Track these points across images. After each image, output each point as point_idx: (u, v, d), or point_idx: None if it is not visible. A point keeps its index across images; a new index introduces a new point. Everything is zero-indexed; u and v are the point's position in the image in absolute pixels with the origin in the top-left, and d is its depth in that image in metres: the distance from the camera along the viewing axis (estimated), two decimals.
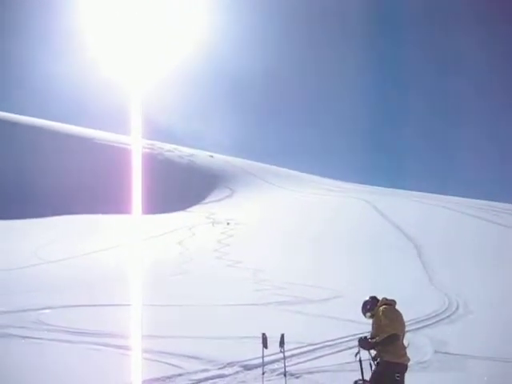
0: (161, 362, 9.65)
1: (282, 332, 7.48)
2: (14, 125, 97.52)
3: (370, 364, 6.14)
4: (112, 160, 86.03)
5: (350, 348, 6.52)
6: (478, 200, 61.55)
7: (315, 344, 11.67)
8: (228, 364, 9.64)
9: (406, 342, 6.10)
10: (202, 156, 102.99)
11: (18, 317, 14.09)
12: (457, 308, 19.01)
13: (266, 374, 8.09)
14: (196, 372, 9.02)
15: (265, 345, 7.45)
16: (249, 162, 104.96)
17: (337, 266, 31.17)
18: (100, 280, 25.48)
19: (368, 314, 6.34)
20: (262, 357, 7.80)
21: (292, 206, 60.32)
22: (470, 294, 22.23)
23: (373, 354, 6.12)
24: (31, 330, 12.31)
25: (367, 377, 6.14)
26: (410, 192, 72.26)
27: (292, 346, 10.47)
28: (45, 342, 11.14)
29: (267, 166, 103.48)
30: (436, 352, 11.44)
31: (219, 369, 9.37)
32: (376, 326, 6.08)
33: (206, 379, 8.69)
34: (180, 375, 8.79)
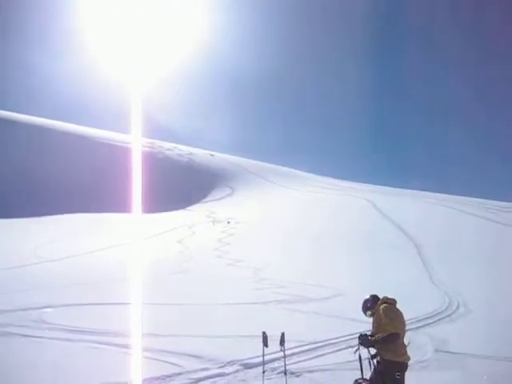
0: (161, 360, 9.65)
1: (283, 331, 7.47)
2: (16, 124, 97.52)
3: (369, 361, 6.14)
4: (112, 159, 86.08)
5: (351, 347, 6.50)
6: (477, 198, 61.62)
7: (315, 343, 11.67)
8: (228, 363, 9.63)
9: (406, 341, 6.09)
10: (202, 155, 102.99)
11: (18, 315, 14.08)
12: (457, 307, 19.02)
13: (266, 373, 8.08)
14: (196, 371, 9.02)
15: (265, 343, 7.45)
16: (249, 160, 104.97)
17: (337, 264, 31.17)
18: (100, 279, 25.46)
19: (368, 313, 6.34)
20: (263, 355, 7.80)
21: (292, 204, 60.31)
22: (470, 292, 22.24)
23: (372, 352, 6.12)
24: (31, 329, 12.30)
25: (366, 374, 6.15)
26: (408, 191, 72.29)
27: (292, 345, 10.47)
28: (45, 341, 11.13)
29: (267, 164, 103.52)
30: (436, 351, 11.44)
31: (219, 367, 9.36)
32: (376, 325, 6.08)
33: (206, 378, 8.68)
34: (180, 374, 8.78)
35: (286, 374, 7.77)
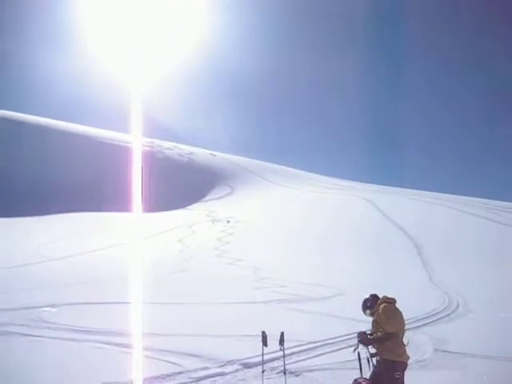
0: (161, 359, 9.67)
1: (282, 330, 7.49)
2: (18, 123, 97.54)
3: (368, 359, 6.16)
4: (113, 158, 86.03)
5: (351, 346, 6.51)
6: (479, 198, 61.54)
7: (315, 342, 11.69)
8: (228, 362, 9.66)
9: (405, 341, 6.11)
10: (202, 154, 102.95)
11: (19, 314, 14.10)
12: (457, 307, 19.04)
13: (265, 372, 8.10)
14: (196, 370, 9.04)
15: (265, 343, 7.46)
16: (248, 159, 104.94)
17: (338, 263, 31.20)
18: (102, 278, 25.51)
19: (368, 312, 6.36)
20: (262, 355, 7.81)
21: (292, 203, 60.32)
22: (470, 292, 22.28)
23: (371, 351, 6.14)
24: (32, 328, 12.31)
25: (365, 373, 6.18)
26: (409, 190, 72.26)
27: (292, 344, 10.49)
28: (45, 340, 11.15)
29: (267, 163, 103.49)
30: (436, 350, 11.47)
31: (219, 367, 9.39)
32: (375, 324, 6.10)
33: (206, 377, 8.70)
34: (180, 373, 8.81)
35: (285, 373, 7.79)
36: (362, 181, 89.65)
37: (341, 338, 11.88)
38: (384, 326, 5.87)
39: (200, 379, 8.56)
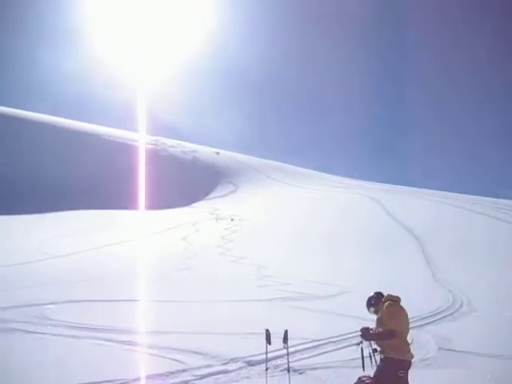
0: (165, 357, 9.67)
1: (286, 328, 7.48)
2: (23, 121, 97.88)
3: (370, 356, 6.16)
4: (118, 156, 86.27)
5: (355, 344, 6.49)
6: (488, 197, 61.26)
7: (319, 340, 11.67)
8: (232, 360, 9.65)
9: (409, 339, 6.10)
10: (206, 152, 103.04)
11: (21, 312, 14.12)
12: (461, 305, 18.99)
13: (269, 370, 8.10)
14: (200, 367, 9.04)
15: (268, 341, 7.46)
16: (252, 157, 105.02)
17: (343, 262, 31.16)
18: (105, 275, 25.50)
19: (372, 309, 6.35)
20: (266, 353, 7.81)
21: (297, 202, 60.30)
22: (475, 291, 22.21)
23: (374, 346, 6.14)
24: (35, 325, 12.33)
25: (367, 368, 6.18)
26: (418, 189, 72.14)
27: (296, 342, 10.47)
28: (48, 337, 11.16)
29: (271, 162, 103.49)
30: (440, 349, 11.44)
31: (223, 364, 9.38)
32: (379, 322, 6.09)
33: (210, 375, 8.70)
34: (184, 370, 8.81)
35: (289, 371, 7.77)
36: (368, 179, 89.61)
37: (344, 337, 11.85)
38: (386, 324, 5.86)
39: (203, 377, 8.56)
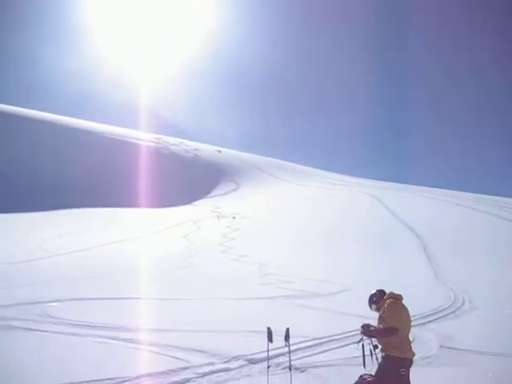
0: (166, 355, 9.68)
1: (287, 326, 7.49)
2: (22, 119, 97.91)
3: (371, 351, 6.17)
4: (120, 154, 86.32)
5: (356, 342, 6.51)
6: (490, 196, 61.15)
7: (320, 338, 11.68)
8: (233, 358, 9.66)
9: (411, 337, 6.10)
10: (208, 150, 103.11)
11: (23, 310, 14.12)
12: (462, 303, 18.99)
13: (271, 368, 8.10)
14: (201, 365, 9.05)
15: (270, 339, 7.46)
16: (254, 155, 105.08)
17: (344, 260, 31.16)
18: (107, 273, 25.53)
19: (374, 306, 6.37)
20: (267, 351, 7.82)
21: (298, 200, 60.30)
22: (477, 289, 22.20)
23: (374, 343, 6.16)
24: (36, 323, 12.33)
25: (368, 364, 6.19)
26: (417, 187, 72.09)
27: (297, 340, 10.48)
28: (49, 335, 11.17)
29: (272, 159, 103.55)
30: (441, 347, 11.44)
31: (224, 362, 9.39)
32: (380, 319, 6.11)
33: (211, 372, 8.71)
34: (186, 368, 8.82)
35: (290, 369, 7.79)
36: (369, 177, 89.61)
37: (346, 334, 11.86)
38: (387, 321, 5.87)
39: (205, 375, 8.57)
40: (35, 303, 15.19)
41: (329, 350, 10.86)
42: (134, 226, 47.85)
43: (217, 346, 10.31)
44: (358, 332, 6.30)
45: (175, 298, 18.16)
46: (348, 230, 41.12)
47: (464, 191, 66.50)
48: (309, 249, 35.05)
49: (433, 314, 16.29)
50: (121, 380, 8.00)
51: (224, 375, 8.68)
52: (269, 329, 7.46)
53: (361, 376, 6.03)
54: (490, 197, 60.15)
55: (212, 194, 74.82)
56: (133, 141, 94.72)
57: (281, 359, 9.45)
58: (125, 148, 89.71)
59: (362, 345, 6.28)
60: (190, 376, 8.44)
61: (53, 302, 15.74)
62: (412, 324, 6.26)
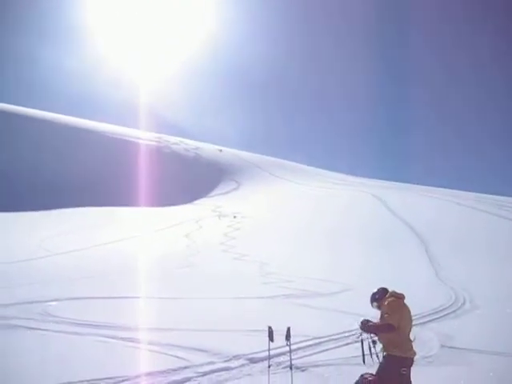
0: (167, 354, 9.67)
1: (288, 325, 7.48)
2: (22, 118, 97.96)
3: (370, 347, 6.17)
4: (121, 153, 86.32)
5: (357, 342, 6.51)
6: (490, 195, 61.08)
7: (321, 337, 11.67)
8: (234, 357, 9.65)
9: (412, 337, 6.09)
10: (209, 149, 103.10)
11: (23, 308, 14.13)
12: (463, 303, 18.98)
13: (271, 367, 8.09)
14: (202, 364, 9.04)
15: (271, 338, 7.45)
16: (255, 155, 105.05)
17: (345, 259, 31.14)
18: (108, 272, 25.54)
19: (375, 304, 6.37)
20: (268, 350, 7.80)
21: (299, 199, 60.27)
22: (478, 288, 22.18)
23: (373, 338, 6.16)
24: (37, 322, 12.34)
25: (367, 361, 6.19)
26: (419, 186, 72.05)
27: (298, 340, 10.48)
28: (50, 334, 11.17)
29: (273, 159, 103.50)
30: (442, 346, 11.42)
31: (225, 361, 9.38)
32: (380, 317, 6.11)
33: (212, 372, 8.70)
34: (186, 367, 8.81)
35: (291, 368, 7.78)
36: (370, 177, 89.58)
37: (347, 334, 11.85)
38: (386, 318, 5.87)
39: (205, 374, 8.56)
40: (35, 302, 15.21)
41: (329, 349, 10.85)
42: (134, 225, 47.86)
43: (217, 345, 10.30)
44: (359, 330, 6.29)
45: (176, 297, 18.17)
46: (349, 230, 41.10)
47: (465, 190, 66.43)
48: (310, 248, 35.04)
49: (433, 313, 16.27)
50: (121, 379, 7.99)
51: (225, 374, 8.67)
52: (270, 328, 7.46)
53: (362, 375, 6.02)
54: (491, 196, 60.09)
55: (213, 193, 74.81)
56: (132, 140, 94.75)
57: (281, 358, 9.44)
58: (125, 147, 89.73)
59: (361, 340, 6.29)
60: (190, 375, 8.43)
61: (53, 300, 15.75)
62: (413, 323, 6.25)
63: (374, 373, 5.96)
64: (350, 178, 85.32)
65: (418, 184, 76.30)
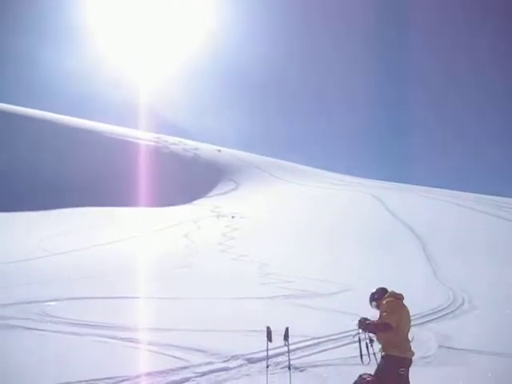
0: (165, 354, 9.68)
1: (287, 325, 7.48)
2: (22, 118, 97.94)
3: (367, 345, 6.19)
4: (120, 153, 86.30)
5: (355, 342, 6.51)
6: (489, 196, 61.11)
7: (320, 338, 11.68)
8: (232, 357, 9.65)
9: (410, 337, 6.10)
10: (208, 149, 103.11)
11: (22, 309, 14.12)
12: (462, 303, 18.99)
13: (270, 367, 8.10)
14: (200, 365, 9.04)
15: (269, 338, 7.46)
16: (253, 155, 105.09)
17: (344, 260, 31.16)
18: (106, 272, 25.52)
19: (374, 304, 6.38)
20: (267, 350, 7.81)
21: (298, 199, 60.29)
22: (476, 289, 22.20)
23: (369, 335, 6.18)
24: (35, 322, 12.32)
25: (364, 362, 6.20)
26: (417, 187, 72.05)
27: (296, 340, 10.48)
28: (48, 334, 11.16)
29: (271, 159, 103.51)
30: (440, 347, 11.43)
31: (224, 362, 9.38)
32: (379, 316, 6.12)
33: (211, 372, 8.70)
34: (185, 368, 8.81)
35: (290, 368, 7.78)
36: (369, 177, 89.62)
37: (345, 334, 11.85)
38: (384, 317, 5.88)
39: (204, 374, 8.56)
40: (34, 302, 15.19)
41: (328, 349, 10.86)
42: (133, 226, 47.84)
43: (216, 346, 10.31)
44: (356, 329, 6.31)
45: (175, 298, 18.17)
46: (348, 230, 41.11)
47: (464, 191, 66.49)
48: (309, 248, 35.04)
49: (432, 313, 16.29)
50: (120, 379, 7.99)
51: (223, 374, 8.68)
52: (268, 328, 7.46)
53: (360, 376, 6.03)
54: (490, 197, 60.13)
55: (212, 194, 74.80)
56: (131, 140, 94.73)
57: (280, 358, 9.44)
58: (123, 147, 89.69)
59: (359, 338, 6.30)
60: (189, 375, 8.44)
61: (52, 301, 15.74)
62: (411, 323, 6.26)
63: (373, 373, 5.97)
64: (349, 179, 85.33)
65: (417, 185, 76.41)
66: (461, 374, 9.32)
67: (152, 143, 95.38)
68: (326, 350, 10.80)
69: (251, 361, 9.45)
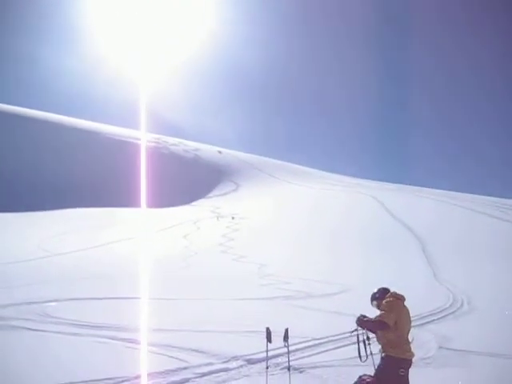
0: (165, 355, 9.68)
1: (287, 326, 7.48)
2: (23, 119, 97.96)
3: (364, 342, 6.19)
4: (120, 154, 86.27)
5: (354, 343, 6.52)
6: (489, 197, 61.11)
7: (319, 339, 11.67)
8: (232, 358, 9.65)
9: (410, 338, 6.10)
10: (208, 150, 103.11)
11: (22, 309, 14.12)
12: (461, 304, 18.99)
13: (269, 368, 8.09)
14: (200, 365, 9.04)
15: (269, 339, 7.46)
16: (254, 156, 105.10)
17: (344, 261, 31.15)
18: (106, 273, 25.54)
19: (374, 303, 6.39)
20: (266, 351, 7.81)
21: (297, 200, 60.28)
22: (476, 290, 22.19)
23: (366, 332, 6.19)
24: (36, 323, 12.33)
25: (362, 358, 6.21)
26: (417, 188, 72.04)
27: (296, 341, 10.48)
28: (49, 335, 11.16)
29: (272, 160, 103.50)
30: (440, 348, 11.43)
31: (223, 362, 9.38)
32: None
33: (210, 373, 8.70)
34: (185, 368, 8.81)
35: (289, 369, 7.77)
36: (370, 178, 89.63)
37: (344, 335, 11.84)
38: (381, 315, 5.88)
39: (204, 375, 8.56)
40: (34, 303, 15.20)
41: (328, 350, 10.85)
42: (133, 226, 47.81)
43: (216, 346, 10.31)
44: (359, 333, 6.31)
45: (174, 298, 18.18)
46: (349, 231, 41.10)
47: (463, 192, 66.51)
48: (309, 250, 35.03)
49: (432, 314, 16.29)
50: (120, 380, 7.99)
51: (223, 375, 8.68)
52: (268, 329, 7.46)
53: (360, 377, 6.03)
54: (490, 198, 60.14)
55: (212, 195, 74.81)
56: (131, 141, 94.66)
57: (280, 359, 9.44)
58: (123, 148, 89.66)
59: (357, 336, 6.30)
60: (188, 376, 8.44)
61: (52, 301, 15.75)
62: (411, 324, 6.26)
63: (373, 374, 5.97)
64: (349, 180, 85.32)
65: (417, 186, 76.39)
66: (461, 375, 9.32)
67: (152, 144, 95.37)
68: (325, 351, 10.79)
69: (251, 362, 9.45)
